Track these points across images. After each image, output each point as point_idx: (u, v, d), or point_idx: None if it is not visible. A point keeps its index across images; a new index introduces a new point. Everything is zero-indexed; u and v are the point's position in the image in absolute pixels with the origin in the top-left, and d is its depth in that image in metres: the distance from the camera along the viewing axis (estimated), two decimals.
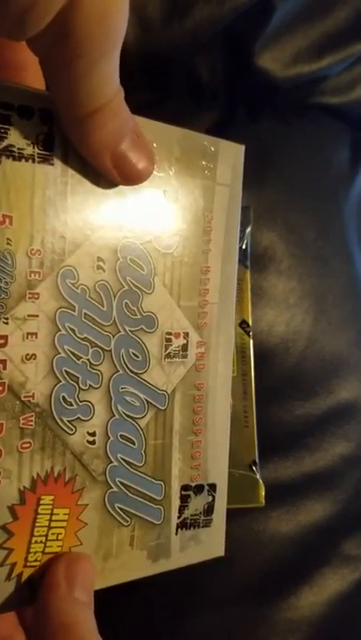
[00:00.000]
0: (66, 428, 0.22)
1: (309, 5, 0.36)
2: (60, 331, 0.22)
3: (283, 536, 0.35)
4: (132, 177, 0.21)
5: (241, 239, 0.36)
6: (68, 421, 0.22)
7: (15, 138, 0.20)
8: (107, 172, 0.21)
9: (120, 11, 0.17)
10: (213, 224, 0.26)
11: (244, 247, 0.36)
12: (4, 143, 0.20)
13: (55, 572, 0.21)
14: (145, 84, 0.35)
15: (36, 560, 0.22)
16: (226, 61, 0.35)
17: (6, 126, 0.20)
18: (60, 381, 0.22)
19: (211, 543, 0.27)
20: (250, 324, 0.35)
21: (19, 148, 0.20)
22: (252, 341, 0.35)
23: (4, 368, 0.21)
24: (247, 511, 0.35)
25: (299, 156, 0.38)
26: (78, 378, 0.22)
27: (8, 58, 0.23)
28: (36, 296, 0.21)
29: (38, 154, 0.21)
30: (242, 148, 0.26)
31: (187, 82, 0.36)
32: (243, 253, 0.35)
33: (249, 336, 0.35)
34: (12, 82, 0.20)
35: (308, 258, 0.37)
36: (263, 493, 0.34)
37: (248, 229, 0.36)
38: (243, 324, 0.35)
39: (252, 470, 0.34)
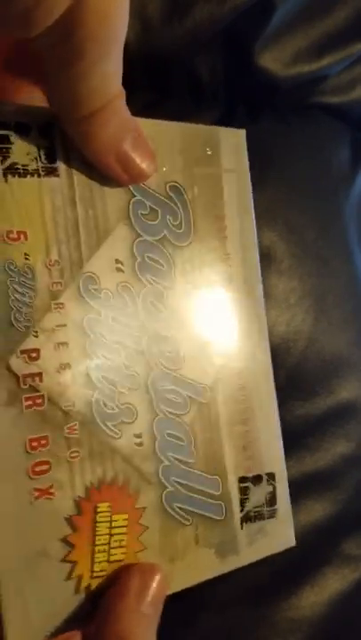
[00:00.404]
0: (111, 433, 0.22)
1: (309, 5, 0.36)
2: (89, 337, 0.22)
3: None
4: (137, 175, 0.22)
5: None
6: (113, 426, 0.22)
7: (18, 155, 0.20)
8: (113, 172, 0.21)
9: (121, 10, 0.17)
10: (226, 210, 0.26)
11: None
12: (8, 162, 0.20)
13: (127, 582, 0.21)
14: (145, 84, 0.35)
15: (102, 570, 0.21)
16: (226, 61, 0.35)
17: (7, 145, 0.20)
18: (98, 387, 0.22)
19: (279, 534, 0.26)
20: None
21: (23, 165, 0.20)
22: None
23: (41, 380, 0.21)
24: None
25: (299, 156, 0.38)
26: (116, 381, 0.22)
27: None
28: (61, 306, 0.21)
29: (42, 167, 0.21)
30: (243, 132, 0.26)
31: (187, 82, 0.36)
32: None
33: None
34: (3, 101, 0.21)
35: (308, 258, 0.37)
36: None
37: None
38: None
39: None
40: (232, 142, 0.26)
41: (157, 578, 0.21)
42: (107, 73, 0.18)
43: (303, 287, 0.36)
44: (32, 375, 0.20)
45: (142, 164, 0.21)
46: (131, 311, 0.23)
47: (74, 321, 0.21)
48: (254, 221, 0.26)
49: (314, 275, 0.37)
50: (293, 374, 0.36)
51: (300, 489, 0.36)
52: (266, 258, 0.36)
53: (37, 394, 0.20)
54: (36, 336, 0.21)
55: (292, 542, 0.27)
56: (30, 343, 0.20)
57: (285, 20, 0.35)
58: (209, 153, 0.25)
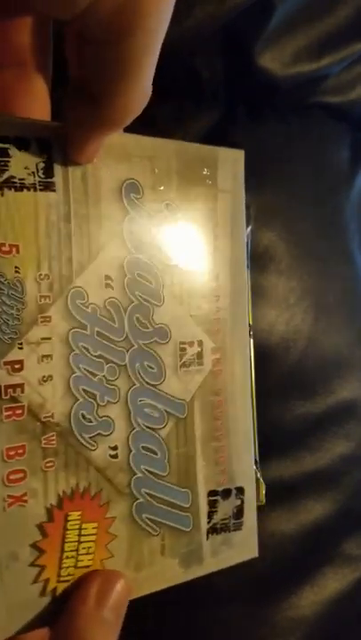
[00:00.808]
0: (87, 445, 0.22)
1: (309, 5, 0.36)
2: (73, 351, 0.22)
3: (283, 535, 0.35)
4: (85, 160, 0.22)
5: None
6: (90, 438, 0.22)
7: (15, 169, 0.20)
8: (87, 153, 0.21)
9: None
10: (218, 231, 0.26)
11: None
12: (5, 175, 0.20)
13: (89, 588, 0.21)
14: None
15: (68, 575, 0.22)
16: (226, 61, 0.35)
17: (5, 159, 0.20)
18: (79, 399, 0.22)
19: (243, 545, 0.27)
20: (250, 323, 0.35)
21: (20, 179, 0.21)
22: (252, 341, 0.35)
23: (22, 391, 0.21)
24: None
25: (299, 156, 0.38)
26: (96, 394, 0.22)
27: (18, 86, 0.23)
28: (47, 319, 0.21)
29: (39, 182, 0.21)
30: (241, 152, 0.26)
31: (187, 82, 0.36)
32: None
33: (249, 335, 0.35)
34: (4, 114, 0.21)
35: (308, 258, 0.37)
36: (264, 492, 0.34)
37: (249, 229, 0.36)
38: None
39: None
40: (230, 163, 0.26)
41: (119, 584, 0.22)
42: (151, 72, 0.18)
43: (303, 287, 0.36)
44: (14, 386, 0.21)
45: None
46: (117, 327, 0.23)
47: (59, 334, 0.22)
48: (244, 241, 0.27)
49: (313, 274, 0.37)
50: (293, 374, 0.36)
51: (301, 488, 0.36)
52: (265, 258, 0.36)
53: (18, 404, 0.21)
54: (21, 348, 0.21)
55: (254, 553, 0.27)
56: (15, 355, 0.21)
57: (285, 20, 0.35)
58: (206, 173, 0.25)
